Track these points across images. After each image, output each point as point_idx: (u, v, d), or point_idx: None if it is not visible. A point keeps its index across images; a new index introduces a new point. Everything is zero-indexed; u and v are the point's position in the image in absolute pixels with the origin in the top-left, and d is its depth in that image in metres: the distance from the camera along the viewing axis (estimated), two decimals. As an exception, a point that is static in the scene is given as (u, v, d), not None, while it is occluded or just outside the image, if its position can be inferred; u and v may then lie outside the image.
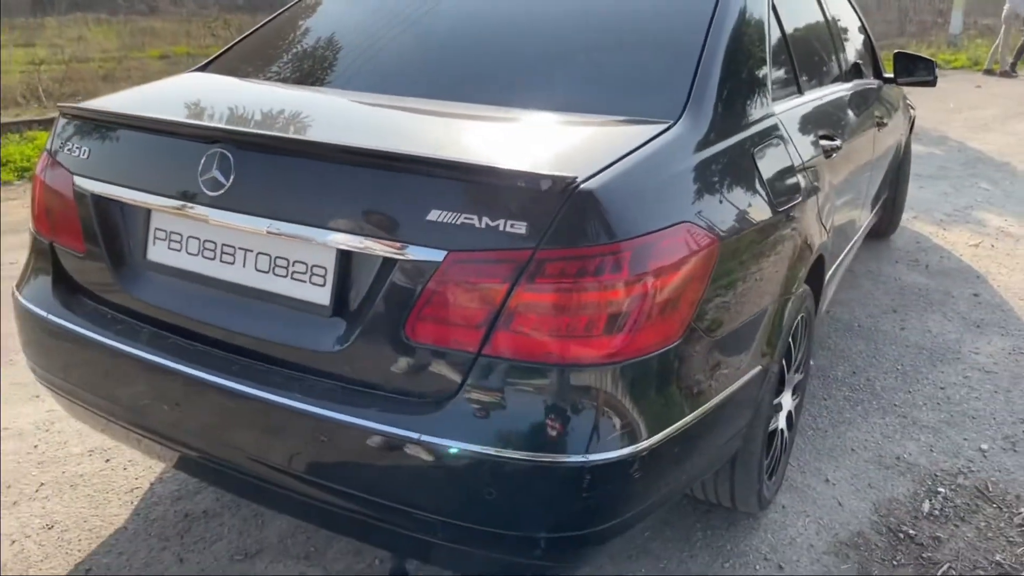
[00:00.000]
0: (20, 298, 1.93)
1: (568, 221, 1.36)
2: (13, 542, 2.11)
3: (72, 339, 1.79)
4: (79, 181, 1.79)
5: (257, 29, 2.43)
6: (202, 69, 2.28)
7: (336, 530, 1.71)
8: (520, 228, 1.36)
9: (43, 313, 1.84)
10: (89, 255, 1.80)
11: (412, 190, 1.43)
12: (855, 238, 3.17)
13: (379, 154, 1.47)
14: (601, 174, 1.42)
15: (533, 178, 1.36)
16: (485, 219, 1.37)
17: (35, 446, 2.53)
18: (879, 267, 4.28)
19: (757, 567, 2.08)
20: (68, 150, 1.84)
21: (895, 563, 2.11)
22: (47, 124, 7.36)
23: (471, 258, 1.38)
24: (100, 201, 1.76)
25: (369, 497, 1.48)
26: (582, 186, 1.37)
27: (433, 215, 1.40)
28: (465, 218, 1.38)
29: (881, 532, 2.23)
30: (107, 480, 2.37)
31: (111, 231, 1.77)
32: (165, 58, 11.97)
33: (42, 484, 2.35)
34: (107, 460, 2.47)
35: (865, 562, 2.11)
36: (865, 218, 3.38)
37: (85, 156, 1.80)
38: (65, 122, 1.89)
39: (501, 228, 1.36)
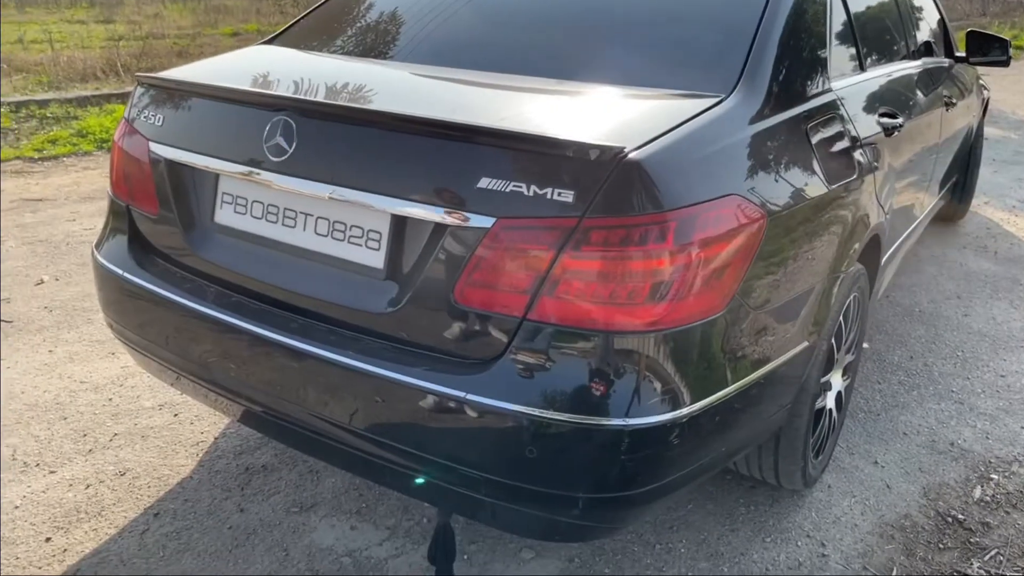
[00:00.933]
0: (99, 257, 2.05)
1: (615, 190, 1.39)
2: (88, 486, 2.26)
3: (145, 297, 1.90)
4: (154, 147, 1.89)
5: (322, 4, 2.50)
6: (269, 42, 2.37)
7: (385, 483, 1.78)
8: (568, 197, 1.40)
9: (119, 272, 1.96)
10: (162, 217, 1.90)
11: (464, 158, 1.48)
12: (918, 220, 3.10)
13: (433, 123, 1.52)
14: (649, 145, 1.44)
15: (581, 147, 1.39)
16: (534, 187, 1.41)
17: (110, 399, 2.69)
18: (944, 252, 4.17)
19: (799, 544, 2.10)
20: (144, 117, 1.94)
21: (941, 546, 2.09)
22: (125, 97, 7.65)
23: (519, 225, 1.43)
24: (172, 166, 1.86)
25: (417, 452, 1.55)
26: (630, 156, 1.40)
27: (483, 183, 1.44)
28: (514, 186, 1.42)
29: (929, 516, 2.21)
30: (175, 433, 2.51)
31: (182, 195, 1.87)
32: (236, 35, 12.28)
33: (116, 434, 2.50)
34: (175, 414, 2.61)
35: (910, 543, 2.10)
36: (930, 201, 3.30)
37: (160, 123, 1.90)
38: (142, 91, 1.99)
39: (549, 196, 1.40)
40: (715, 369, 1.54)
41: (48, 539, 2.05)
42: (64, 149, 6.07)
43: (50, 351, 2.99)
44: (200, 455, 2.41)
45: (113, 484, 2.27)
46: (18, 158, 5.84)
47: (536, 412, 1.43)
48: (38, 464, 2.34)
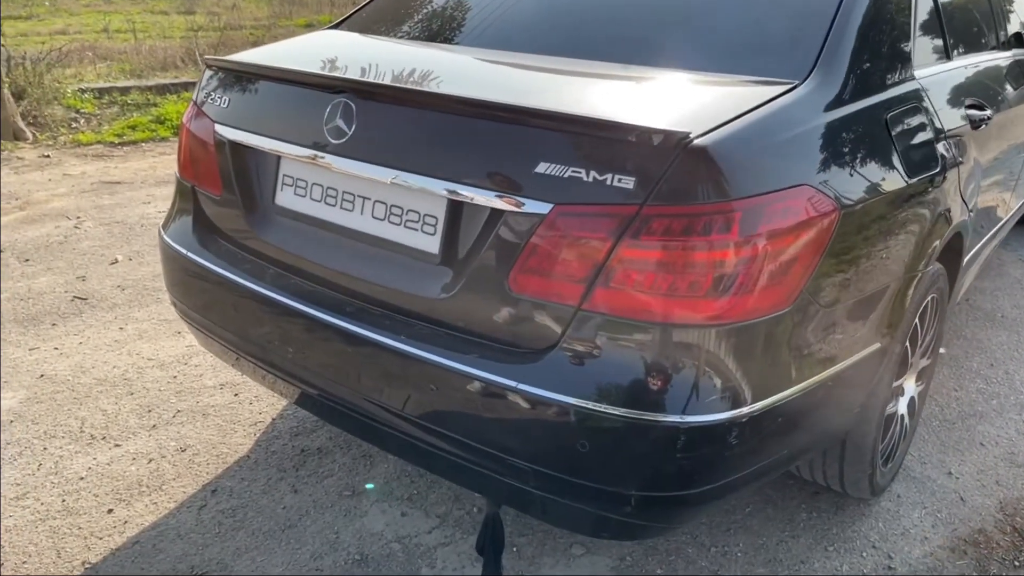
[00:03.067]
0: (165, 237, 2.09)
1: (678, 177, 1.34)
2: (150, 460, 2.32)
3: (207, 277, 1.92)
4: (219, 129, 1.91)
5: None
6: (335, 27, 2.38)
7: (438, 472, 1.77)
8: (628, 183, 1.35)
9: (184, 251, 1.99)
10: (225, 199, 1.93)
11: (522, 142, 1.44)
12: (1004, 220, 2.93)
13: (490, 105, 1.48)
14: (716, 131, 1.38)
15: (644, 132, 1.34)
16: (593, 173, 1.37)
17: (174, 377, 2.76)
18: (1033, 256, 3.95)
19: (864, 554, 2.00)
20: (211, 100, 1.97)
21: (1017, 563, 1.97)
22: (201, 86, 7.87)
23: (576, 211, 1.38)
24: (236, 147, 1.87)
25: (468, 441, 1.53)
26: (695, 142, 1.34)
27: (541, 167, 1.41)
28: (573, 171, 1.38)
29: (1005, 532, 2.09)
30: (235, 412, 2.56)
31: (245, 176, 1.88)
32: (310, 26, 12.51)
33: (179, 411, 2.56)
34: (235, 394, 2.65)
35: (983, 560, 1.98)
36: (1016, 201, 3.12)
37: (225, 105, 1.92)
38: (210, 74, 2.02)
39: (608, 182, 1.36)
40: (779, 368, 1.47)
41: (110, 510, 2.11)
42: (142, 135, 6.28)
43: (121, 328, 3.08)
44: (257, 435, 2.45)
45: (174, 459, 2.32)
46: (99, 142, 6.06)
47: (589, 405, 1.38)
48: (104, 437, 2.41)
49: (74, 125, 6.38)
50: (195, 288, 2.01)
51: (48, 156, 5.59)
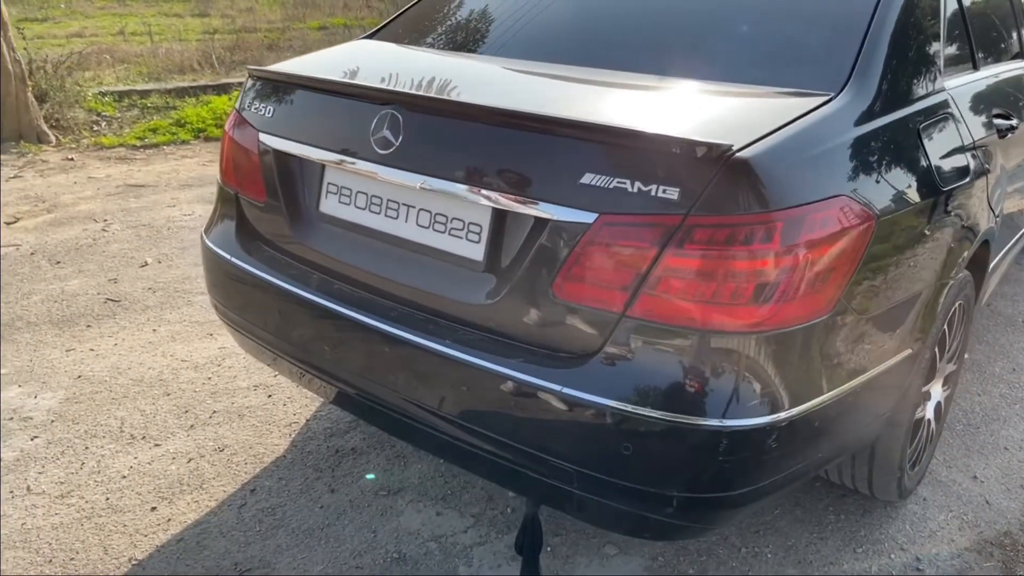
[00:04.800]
0: (208, 242, 2.14)
1: (721, 189, 1.38)
2: (190, 460, 2.37)
3: (251, 281, 1.98)
4: (263, 137, 1.96)
5: (420, 1, 2.55)
6: (370, 37, 2.43)
7: (478, 472, 1.81)
8: (672, 194, 1.39)
9: (227, 256, 2.04)
10: (268, 205, 1.98)
11: (567, 154, 1.49)
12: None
13: (538, 118, 1.53)
14: (757, 143, 1.42)
15: (689, 145, 1.38)
16: (638, 183, 1.41)
17: (209, 378, 2.81)
18: (1052, 261, 3.97)
19: (892, 556, 2.04)
20: (255, 109, 2.02)
21: (1046, 568, 2.01)
22: (219, 89, 7.94)
23: (621, 221, 1.43)
24: (280, 156, 1.92)
25: (512, 443, 1.57)
26: (737, 155, 1.38)
27: (586, 178, 1.45)
28: (618, 182, 1.42)
29: (1032, 535, 2.12)
30: (269, 413, 2.61)
31: (289, 184, 1.93)
32: (323, 29, 12.59)
33: (215, 412, 2.61)
34: (269, 395, 2.70)
35: (1010, 562, 2.01)
36: (1039, 207, 3.14)
37: (269, 115, 1.97)
38: (253, 83, 2.07)
39: (653, 193, 1.40)
40: (817, 373, 1.51)
41: (153, 508, 2.16)
42: (163, 138, 6.35)
43: (154, 330, 3.14)
44: (293, 435, 2.50)
45: (212, 459, 2.38)
46: (121, 145, 6.14)
47: (633, 409, 1.43)
48: (144, 437, 2.47)
49: (96, 128, 6.46)
50: (238, 291, 2.06)
51: (72, 159, 5.67)
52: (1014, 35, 2.74)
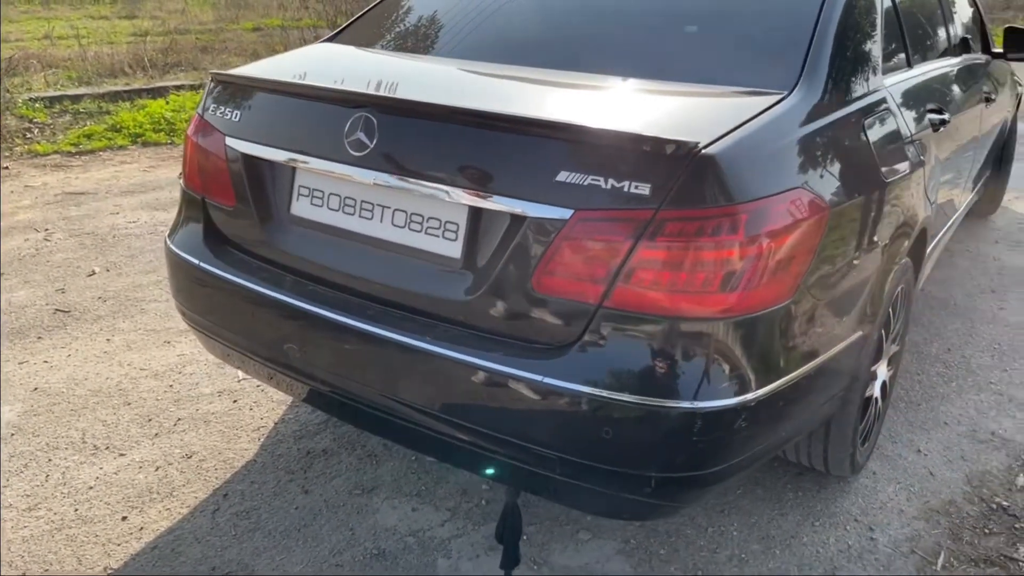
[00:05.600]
0: (173, 247, 2.13)
1: (689, 184, 1.46)
2: (157, 468, 2.35)
3: (221, 285, 1.98)
4: (230, 142, 1.97)
5: (377, 4, 2.57)
6: (330, 40, 2.44)
7: (461, 464, 1.85)
8: (644, 189, 1.46)
9: (195, 261, 2.04)
10: (238, 209, 1.98)
11: (542, 153, 1.55)
12: (956, 215, 3.15)
13: (514, 119, 1.58)
14: (721, 140, 1.50)
15: (658, 142, 1.45)
16: (611, 180, 1.48)
17: (170, 386, 2.78)
18: (978, 247, 4.20)
19: (847, 528, 2.16)
20: (220, 113, 2.02)
21: (987, 531, 2.15)
22: (154, 92, 7.77)
23: (596, 216, 1.49)
24: (249, 160, 1.93)
25: (495, 434, 1.62)
26: (704, 151, 1.46)
27: (561, 176, 1.51)
28: (592, 179, 1.49)
29: (973, 502, 2.27)
30: (236, 418, 2.60)
31: (259, 187, 1.94)
32: (258, 30, 12.39)
33: (179, 419, 2.59)
34: (235, 401, 2.69)
35: (956, 529, 2.16)
36: (967, 196, 3.34)
37: (236, 119, 1.97)
38: (216, 88, 2.07)
39: (626, 189, 1.47)
40: (780, 356, 1.61)
41: (124, 518, 2.14)
42: (99, 144, 6.19)
43: (108, 340, 3.09)
44: (262, 439, 2.50)
45: (181, 466, 2.36)
46: (56, 152, 5.96)
47: (612, 395, 1.49)
48: (107, 447, 2.44)
49: (28, 136, 6.25)
50: (207, 295, 2.06)
51: (7, 168, 5.49)
52: (943, 34, 2.91)
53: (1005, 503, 2.26)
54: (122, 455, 2.40)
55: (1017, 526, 2.17)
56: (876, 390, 2.29)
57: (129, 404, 2.67)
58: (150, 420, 2.58)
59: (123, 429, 2.53)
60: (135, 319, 3.27)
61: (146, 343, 3.07)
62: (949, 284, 3.74)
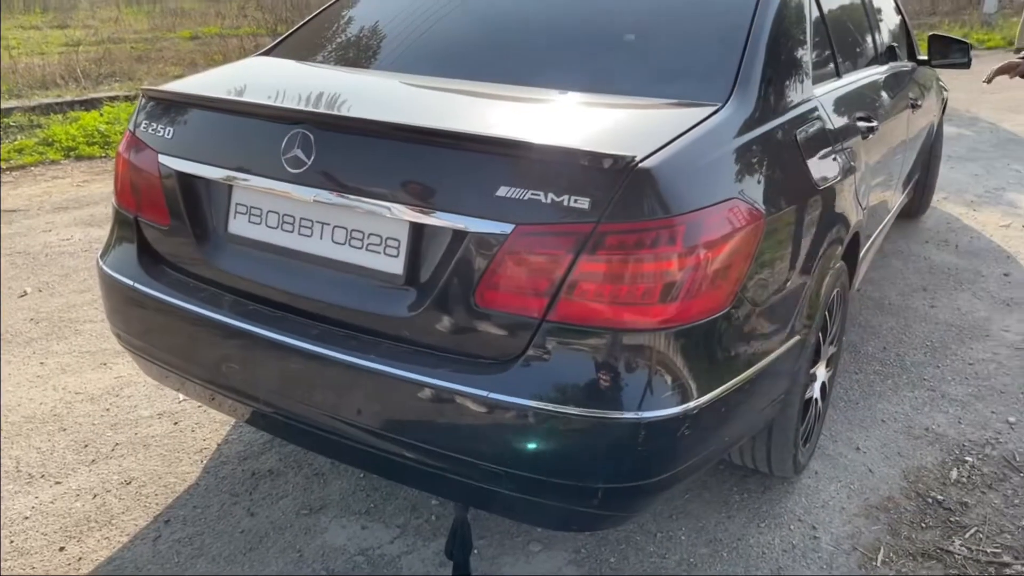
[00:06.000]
0: (105, 268, 2.07)
1: (627, 197, 1.48)
2: (95, 496, 2.28)
3: (157, 306, 1.93)
4: (163, 159, 1.92)
5: (316, 16, 2.55)
6: (267, 53, 2.41)
7: (408, 482, 1.84)
8: (583, 203, 1.48)
9: (129, 282, 1.99)
10: (173, 228, 1.94)
11: (482, 168, 1.55)
12: (887, 218, 3.25)
13: (452, 134, 1.58)
14: (657, 153, 1.53)
15: (596, 157, 1.47)
16: (551, 195, 1.49)
17: (107, 409, 2.70)
18: (909, 247, 4.34)
19: (791, 527, 2.20)
20: (152, 130, 1.97)
21: (924, 526, 2.22)
22: (87, 104, 7.55)
23: (537, 231, 1.50)
24: (184, 178, 1.89)
25: (442, 451, 1.61)
26: (640, 164, 1.48)
27: (502, 191, 1.52)
28: (532, 194, 1.50)
29: (910, 497, 2.34)
30: (177, 441, 2.54)
31: (194, 206, 1.90)
32: (196, 39, 12.15)
33: (117, 444, 2.52)
34: (175, 423, 2.63)
35: (895, 524, 2.22)
36: (897, 198, 3.46)
37: (169, 135, 1.93)
38: (148, 104, 2.02)
39: (566, 203, 1.48)
40: (721, 363, 1.63)
41: (62, 548, 2.07)
42: (31, 159, 5.98)
43: (41, 363, 2.98)
44: (204, 462, 2.44)
45: (120, 493, 2.29)
46: (-16, 168, 5.74)
47: (557, 408, 1.50)
48: (43, 476, 2.35)
49: (-47, 150, 6.01)
50: (142, 317, 2.01)
51: (-71, 184, 5.27)
52: (870, 42, 3.00)
53: (940, 497, 2.33)
54: (58, 483, 2.32)
55: (952, 519, 2.25)
56: (816, 391, 2.35)
57: (65, 430, 2.58)
58: (87, 446, 2.50)
59: (59, 456, 2.45)
60: (69, 341, 3.16)
61: (81, 366, 2.98)
62: (883, 284, 3.86)
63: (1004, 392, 2.92)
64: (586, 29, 2.10)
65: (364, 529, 2.16)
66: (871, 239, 2.85)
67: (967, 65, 3.55)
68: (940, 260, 4.17)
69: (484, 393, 1.53)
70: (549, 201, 1.49)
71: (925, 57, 3.67)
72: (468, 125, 1.66)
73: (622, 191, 1.47)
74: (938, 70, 4.01)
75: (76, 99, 7.68)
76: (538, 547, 2.11)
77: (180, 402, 2.73)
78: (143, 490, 2.31)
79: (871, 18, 3.08)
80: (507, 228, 1.51)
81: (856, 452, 2.55)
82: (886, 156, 2.86)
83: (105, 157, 6.19)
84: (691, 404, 1.57)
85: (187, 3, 16.38)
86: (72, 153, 6.21)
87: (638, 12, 2.11)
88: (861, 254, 2.62)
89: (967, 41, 3.60)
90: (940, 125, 4.52)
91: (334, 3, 2.54)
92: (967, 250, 4.31)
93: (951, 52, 3.55)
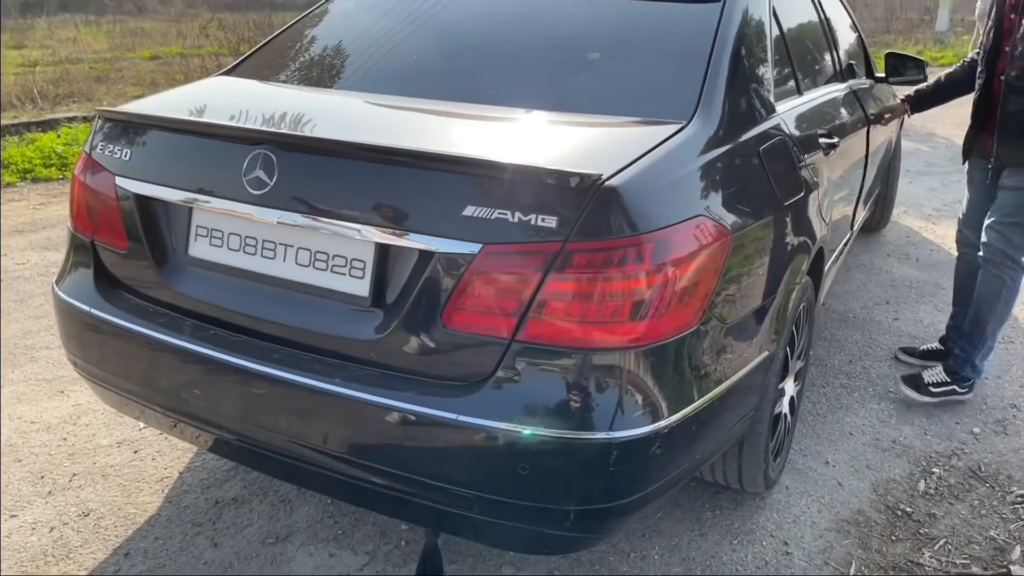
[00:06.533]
0: (60, 293, 2.01)
1: (595, 215, 1.47)
2: (52, 529, 2.20)
3: (116, 332, 1.88)
4: (120, 181, 1.88)
5: (278, 36, 2.52)
6: (228, 73, 2.37)
7: (376, 508, 1.80)
8: (551, 222, 1.46)
9: (86, 308, 1.93)
10: (131, 252, 1.89)
11: (448, 188, 1.53)
12: (851, 232, 3.29)
13: (417, 154, 1.56)
14: (624, 171, 1.52)
15: (563, 175, 1.46)
16: (518, 214, 1.47)
17: (64, 439, 2.62)
18: (871, 260, 4.41)
19: (764, 543, 2.20)
20: (108, 152, 1.93)
21: (893, 538, 2.23)
22: (44, 126, 7.41)
23: (505, 250, 1.49)
24: (142, 200, 1.85)
25: (411, 476, 1.58)
26: (607, 182, 1.48)
27: (468, 211, 1.50)
28: (499, 213, 1.48)
29: (880, 510, 2.35)
30: (137, 470, 2.46)
31: (153, 229, 1.86)
32: (156, 59, 12.01)
33: (75, 475, 2.44)
34: (135, 451, 2.55)
35: (865, 538, 2.22)
36: (859, 213, 3.50)
37: (127, 157, 1.88)
38: (105, 125, 1.97)
39: (533, 222, 1.47)
40: (691, 381, 1.63)
41: (15, 586, 1.99)
42: (-16, 181, 5.84)
43: (-6, 392, 2.89)
44: (166, 491, 2.37)
45: (78, 526, 2.22)
46: (-64, 191, 5.59)
47: (527, 430, 1.48)
48: (-5, 509, 2.27)
49: (-97, 173, 5.84)
50: (100, 344, 1.95)
51: None
52: (830, 60, 3.05)
53: (909, 509, 2.35)
54: (13, 516, 2.24)
55: (921, 531, 2.26)
56: (785, 406, 2.35)
57: (20, 461, 2.49)
58: (43, 477, 2.42)
59: (14, 488, 2.36)
60: (25, 368, 3.07)
61: (37, 394, 2.89)
62: (847, 297, 3.90)
63: (967, 403, 2.95)
64: (550, 48, 2.10)
65: (332, 557, 2.11)
66: (835, 253, 2.88)
67: (923, 81, 3.62)
68: (901, 273, 4.23)
69: (453, 416, 1.51)
70: (516, 220, 1.47)
71: (883, 74, 3.74)
72: (433, 144, 1.64)
73: (589, 209, 1.46)
74: (895, 87, 4.08)
75: (33, 120, 7.53)
76: (511, 570, 2.08)
77: (140, 430, 2.65)
78: (102, 522, 2.24)
79: (829, 36, 3.13)
80: (474, 248, 1.49)
81: (825, 466, 2.56)
82: (847, 171, 2.90)
83: (62, 179, 6.06)
84: (663, 423, 1.56)
85: (148, 23, 16.23)
86: (28, 175, 6.08)
87: (600, 31, 2.11)
88: (826, 268, 2.64)
89: (922, 59, 3.68)
90: (898, 140, 4.61)
91: (296, 22, 2.52)
92: (927, 263, 4.39)
93: (907, 69, 3.63)
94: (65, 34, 14.15)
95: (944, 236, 4.79)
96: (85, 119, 7.61)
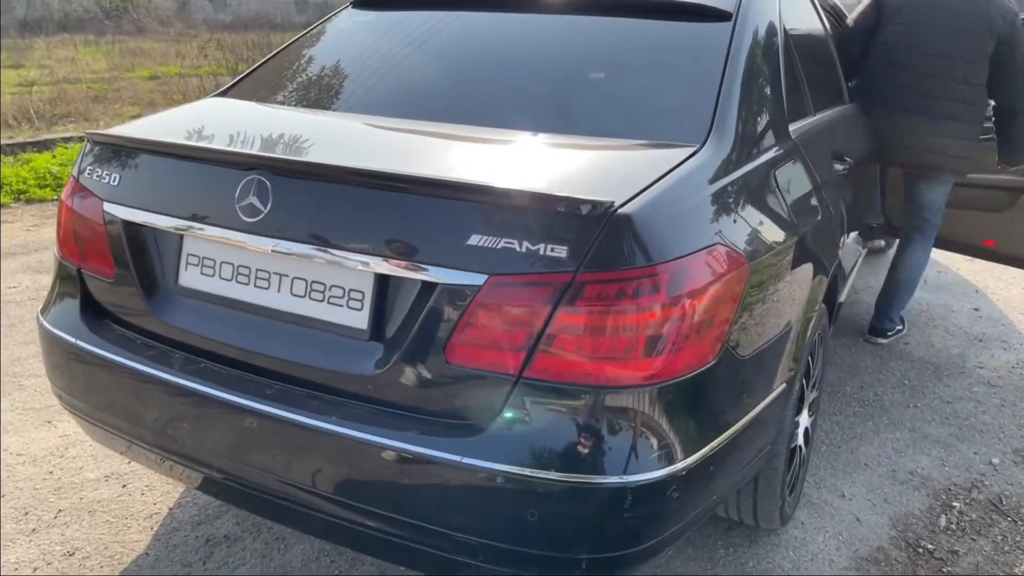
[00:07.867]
0: (45, 323, 1.93)
1: (607, 244, 1.38)
2: (35, 569, 2.10)
3: (101, 364, 1.79)
4: (109, 207, 1.80)
5: (275, 56, 2.45)
6: (223, 94, 2.30)
7: (373, 553, 1.71)
8: (561, 252, 1.38)
9: (71, 339, 1.84)
10: (119, 281, 1.80)
11: (452, 215, 1.45)
12: (861, 254, 3.21)
13: (420, 180, 1.48)
14: (637, 198, 1.44)
15: (573, 203, 1.38)
16: (526, 243, 1.39)
17: (50, 472, 2.52)
18: (879, 282, 4.31)
19: (781, 584, 2.10)
20: (96, 176, 1.85)
21: (916, 578, 2.13)
22: (40, 146, 7.34)
23: (512, 281, 1.40)
24: (131, 227, 1.77)
25: (409, 520, 1.49)
26: (620, 210, 1.40)
27: (473, 240, 1.42)
28: (506, 242, 1.40)
29: (900, 547, 2.25)
30: (125, 506, 2.36)
31: (142, 257, 1.77)
32: (155, 78, 11.98)
33: (60, 511, 2.34)
34: (124, 486, 2.45)
35: (887, 577, 2.13)
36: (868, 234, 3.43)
37: (115, 182, 1.80)
38: (94, 149, 1.90)
39: (541, 252, 1.38)
40: (709, 419, 1.54)
41: (-7, 633, 1.89)
42: (-22, 202, 5.76)
43: (-21, 422, 2.79)
44: (155, 528, 2.27)
45: (62, 566, 2.11)
46: (-73, 212, 5.51)
47: (536, 473, 1.39)
48: (-25, 549, 2.16)
49: None
50: (85, 376, 1.86)
51: None
52: (837, 80, 2.99)
53: (930, 546, 2.25)
54: (-8, 557, 2.14)
55: (944, 570, 2.16)
56: (800, 439, 2.26)
57: (3, 496, 2.39)
58: (27, 513, 2.32)
59: (-6, 526, 2.26)
60: (12, 397, 2.97)
61: (24, 424, 2.79)
62: (856, 320, 3.82)
63: (984, 431, 2.86)
64: (557, 67, 2.02)
65: (328, 600, 2.01)
66: (848, 278, 2.81)
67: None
68: (910, 295, 4.15)
69: (457, 458, 1.41)
70: (524, 250, 1.39)
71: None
72: (436, 170, 1.56)
73: (601, 238, 1.38)
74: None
75: (28, 140, 7.47)
76: (515, 614, 1.97)
77: (129, 463, 2.55)
78: (87, 562, 2.13)
79: (837, 56, 3.07)
80: (480, 279, 1.41)
81: (842, 499, 2.46)
82: (859, 192, 2.83)
83: (57, 200, 5.98)
84: (679, 465, 1.47)
85: (147, 43, 16.23)
86: (22, 196, 6.00)
87: (609, 52, 2.04)
88: (841, 298, 2.56)
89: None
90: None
91: (294, 42, 2.44)
92: (936, 285, 4.31)
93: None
94: (63, 54, 14.13)
95: (952, 257, 4.70)
96: (81, 139, 7.55)
